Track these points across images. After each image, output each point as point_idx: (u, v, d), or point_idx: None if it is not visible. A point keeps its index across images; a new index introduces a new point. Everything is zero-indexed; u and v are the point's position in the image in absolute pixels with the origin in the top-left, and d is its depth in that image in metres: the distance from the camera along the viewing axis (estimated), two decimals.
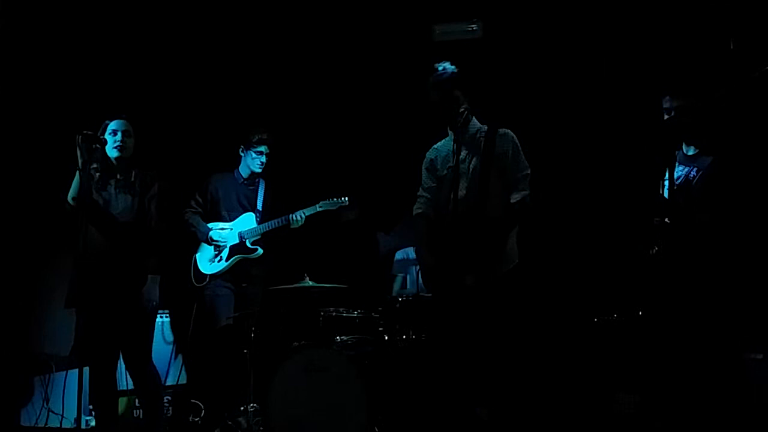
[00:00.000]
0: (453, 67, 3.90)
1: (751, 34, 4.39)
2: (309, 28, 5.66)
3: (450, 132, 3.92)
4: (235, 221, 5.07)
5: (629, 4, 5.01)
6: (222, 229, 5.04)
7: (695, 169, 3.82)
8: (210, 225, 5.05)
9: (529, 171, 3.83)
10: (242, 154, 5.09)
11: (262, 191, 5.12)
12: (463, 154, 3.86)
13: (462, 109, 3.85)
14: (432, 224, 3.92)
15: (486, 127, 3.89)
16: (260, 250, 5.00)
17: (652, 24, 4.95)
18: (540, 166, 3.94)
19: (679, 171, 3.85)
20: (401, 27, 5.52)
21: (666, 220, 3.73)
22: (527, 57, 5.27)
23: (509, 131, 3.87)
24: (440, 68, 3.90)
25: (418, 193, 4.05)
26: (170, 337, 5.31)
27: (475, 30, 5.41)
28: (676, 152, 3.88)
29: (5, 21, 5.12)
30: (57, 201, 4.19)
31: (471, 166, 3.82)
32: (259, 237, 5.01)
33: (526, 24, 5.30)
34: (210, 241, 5.01)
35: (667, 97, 3.86)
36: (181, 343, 5.30)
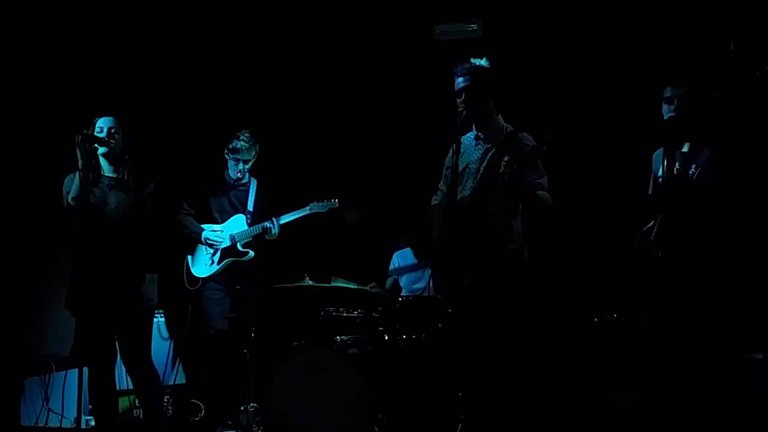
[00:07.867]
0: (486, 62, 3.86)
1: (751, 34, 4.39)
2: (307, 28, 5.65)
3: (473, 129, 3.87)
4: (225, 223, 5.01)
5: (629, 4, 5.01)
6: (214, 230, 4.97)
7: (694, 166, 3.77)
8: (203, 226, 5.00)
9: (545, 178, 3.79)
10: (227, 158, 5.01)
11: (254, 192, 5.06)
12: (477, 153, 3.85)
13: (491, 105, 3.85)
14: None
15: (510, 128, 3.88)
16: (251, 253, 4.94)
17: (651, 24, 4.95)
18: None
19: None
20: (401, 27, 5.51)
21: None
22: (527, 57, 5.26)
23: (529, 135, 3.82)
24: (475, 62, 3.85)
25: (438, 186, 4.05)
26: (166, 337, 5.28)
27: (476, 30, 5.40)
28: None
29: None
30: (57, 201, 4.18)
31: (482, 166, 3.80)
32: (250, 239, 4.95)
33: (526, 24, 5.30)
34: (204, 242, 4.96)
35: (668, 88, 3.84)
36: (177, 344, 5.29)
